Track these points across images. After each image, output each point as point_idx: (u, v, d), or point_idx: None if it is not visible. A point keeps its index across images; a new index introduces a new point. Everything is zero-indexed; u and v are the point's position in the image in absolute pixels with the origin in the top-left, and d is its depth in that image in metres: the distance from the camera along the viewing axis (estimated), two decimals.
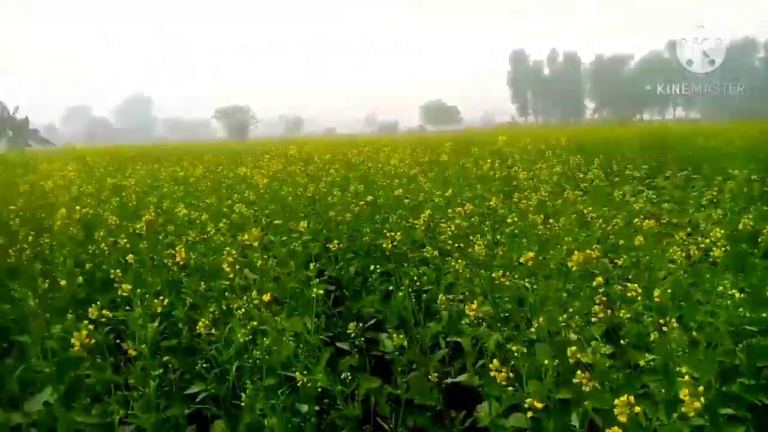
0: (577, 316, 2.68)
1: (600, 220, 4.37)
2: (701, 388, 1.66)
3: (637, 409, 1.50)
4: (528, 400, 1.80)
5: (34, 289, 2.64)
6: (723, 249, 2.74)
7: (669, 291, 2.64)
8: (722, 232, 2.81)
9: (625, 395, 1.52)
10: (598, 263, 3.69)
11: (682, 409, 1.57)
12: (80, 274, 3.46)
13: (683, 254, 2.96)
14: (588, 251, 3.01)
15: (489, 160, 6.03)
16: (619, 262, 3.55)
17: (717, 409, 2.17)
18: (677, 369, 2.19)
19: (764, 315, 2.35)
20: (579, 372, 1.79)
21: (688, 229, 3.75)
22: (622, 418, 1.48)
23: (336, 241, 4.11)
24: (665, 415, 2.00)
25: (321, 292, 2.80)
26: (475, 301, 2.41)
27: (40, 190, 5.68)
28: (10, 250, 3.29)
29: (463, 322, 3.02)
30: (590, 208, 4.22)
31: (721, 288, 2.59)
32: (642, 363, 2.28)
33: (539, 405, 1.76)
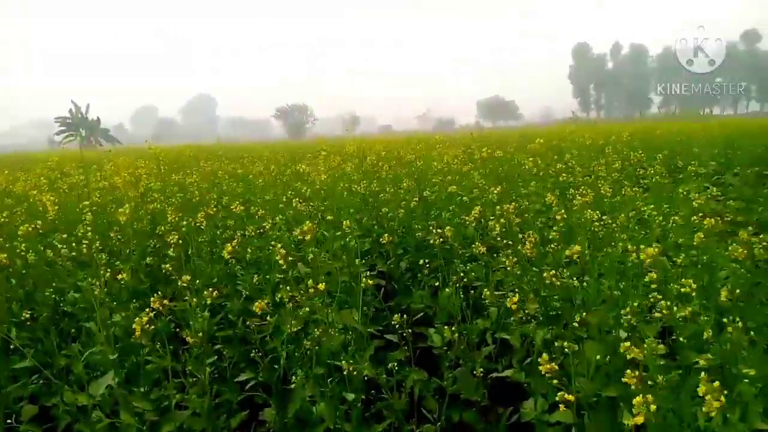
0: (629, 315, 2.62)
1: (659, 218, 4.23)
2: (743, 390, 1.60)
3: (653, 407, 1.48)
4: (560, 393, 1.78)
5: (100, 279, 2.81)
6: None
7: (729, 291, 2.54)
8: None
9: (641, 396, 1.50)
10: (656, 261, 3.58)
11: (703, 408, 1.53)
12: (145, 267, 3.65)
13: (746, 253, 2.83)
14: (648, 249, 2.93)
15: (530, 158, 5.93)
16: (678, 261, 3.43)
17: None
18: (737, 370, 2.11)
19: None
20: (629, 371, 1.77)
21: (750, 228, 3.59)
22: (639, 419, 1.46)
23: (387, 237, 4.17)
24: (720, 417, 1.94)
25: (371, 282, 2.85)
26: (515, 296, 2.39)
27: (112, 185, 6.01)
28: (79, 243, 3.50)
29: (511, 319, 3.01)
30: (651, 206, 4.09)
31: None
32: (702, 362, 2.21)
33: (571, 398, 1.74)
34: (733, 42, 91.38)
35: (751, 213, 6.15)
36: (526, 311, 3.08)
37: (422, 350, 3.60)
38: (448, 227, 3.44)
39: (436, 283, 3.58)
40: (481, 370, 2.77)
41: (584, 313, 2.81)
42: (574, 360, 2.30)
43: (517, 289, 3.35)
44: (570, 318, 2.91)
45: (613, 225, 3.73)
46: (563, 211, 3.53)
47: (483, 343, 3.10)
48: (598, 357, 2.20)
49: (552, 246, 3.59)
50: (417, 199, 4.89)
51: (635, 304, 2.63)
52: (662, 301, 2.11)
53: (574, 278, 2.91)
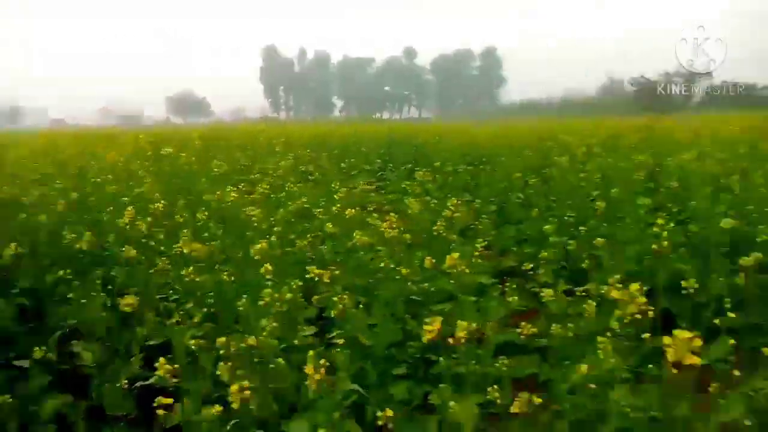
0: (277, 302, 2.76)
1: (318, 210, 4.60)
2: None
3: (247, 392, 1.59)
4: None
5: None
6: (398, 231, 3.08)
7: (353, 268, 2.90)
8: (396, 215, 3.17)
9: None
10: (314, 249, 3.90)
11: (306, 382, 1.70)
12: None
13: (369, 238, 3.26)
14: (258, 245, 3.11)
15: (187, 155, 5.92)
16: (326, 248, 3.77)
17: (390, 371, 2.45)
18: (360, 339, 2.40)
19: (425, 285, 2.70)
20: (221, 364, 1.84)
21: (371, 214, 4.17)
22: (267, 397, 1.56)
23: (15, 247, 3.62)
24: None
25: None
26: (130, 298, 2.31)
27: None
28: None
29: (168, 322, 2.90)
30: (305, 199, 4.41)
31: (383, 264, 2.92)
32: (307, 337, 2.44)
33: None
34: (398, 57, 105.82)
35: (401, 203, 7.21)
36: (182, 311, 3.00)
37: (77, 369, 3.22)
38: (88, 233, 3.14)
39: (71, 294, 3.24)
40: (125, 381, 2.59)
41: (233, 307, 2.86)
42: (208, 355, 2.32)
43: (172, 290, 3.25)
44: (223, 314, 2.94)
45: (272, 219, 3.91)
46: (203, 210, 3.55)
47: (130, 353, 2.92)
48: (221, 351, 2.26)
49: (212, 243, 3.58)
50: (66, 202, 4.36)
51: (284, 290, 2.80)
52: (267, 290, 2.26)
53: (225, 273, 2.94)
